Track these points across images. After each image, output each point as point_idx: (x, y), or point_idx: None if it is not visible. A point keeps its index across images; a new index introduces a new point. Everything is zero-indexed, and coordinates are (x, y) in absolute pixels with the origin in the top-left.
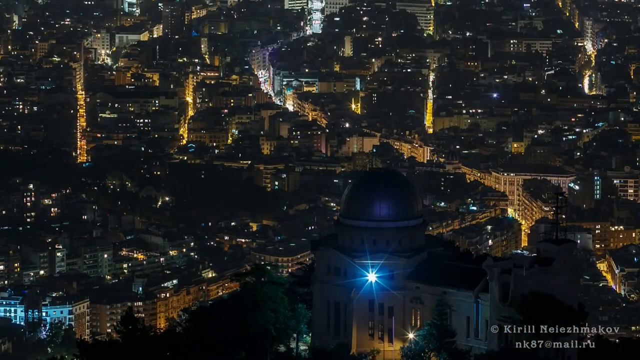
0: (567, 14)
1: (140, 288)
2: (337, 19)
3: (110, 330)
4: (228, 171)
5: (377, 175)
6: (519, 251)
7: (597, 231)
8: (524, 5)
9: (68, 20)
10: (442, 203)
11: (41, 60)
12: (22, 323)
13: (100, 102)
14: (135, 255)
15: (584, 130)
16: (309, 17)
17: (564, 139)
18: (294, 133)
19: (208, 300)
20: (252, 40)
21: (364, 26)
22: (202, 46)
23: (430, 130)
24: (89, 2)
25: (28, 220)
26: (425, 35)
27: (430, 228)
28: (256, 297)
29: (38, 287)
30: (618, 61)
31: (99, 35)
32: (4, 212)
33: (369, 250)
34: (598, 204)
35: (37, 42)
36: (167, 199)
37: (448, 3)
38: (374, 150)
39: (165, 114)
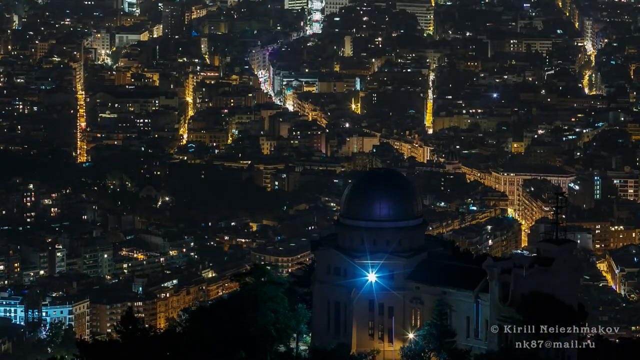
0: (567, 14)
1: (140, 288)
2: (337, 19)
3: (110, 330)
4: (228, 171)
5: (377, 175)
6: (519, 251)
7: (597, 231)
8: (524, 5)
9: (68, 20)
10: (442, 203)
11: (41, 60)
12: (22, 323)
13: (100, 102)
14: (135, 255)
15: (584, 130)
16: (309, 17)
17: (564, 139)
18: (294, 133)
19: (208, 300)
20: (252, 40)
21: (364, 26)
22: (202, 46)
23: (430, 130)
24: (89, 2)
25: (28, 220)
26: (425, 35)
27: (430, 228)
28: (256, 297)
29: (38, 287)
30: (618, 61)
31: (99, 35)
32: (4, 212)
33: (369, 250)
34: (598, 204)
35: (37, 42)
36: (167, 199)
37: (448, 3)
38: (374, 150)
39: (165, 114)
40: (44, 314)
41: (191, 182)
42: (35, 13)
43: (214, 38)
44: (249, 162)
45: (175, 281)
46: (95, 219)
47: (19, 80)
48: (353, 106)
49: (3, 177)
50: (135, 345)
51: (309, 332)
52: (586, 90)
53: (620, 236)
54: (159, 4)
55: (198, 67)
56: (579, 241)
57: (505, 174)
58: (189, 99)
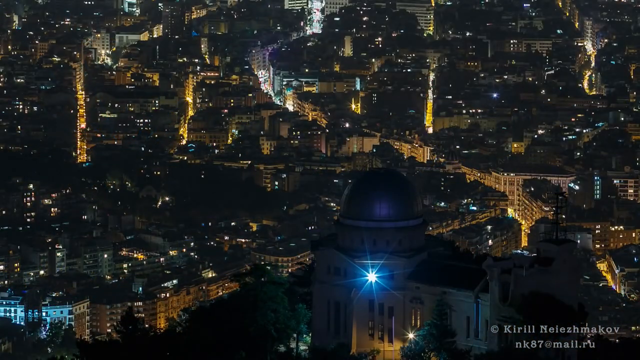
0: (567, 14)
1: (140, 288)
2: (337, 19)
3: (110, 330)
4: (228, 171)
5: (377, 175)
6: (519, 251)
7: (597, 231)
8: (524, 5)
9: (68, 20)
10: (442, 203)
11: (41, 60)
12: (22, 323)
13: (100, 102)
14: (135, 255)
15: (584, 130)
16: (309, 17)
17: (564, 139)
18: (294, 133)
19: (208, 300)
20: (252, 40)
21: (364, 26)
22: (202, 46)
23: (430, 130)
24: (89, 2)
25: (28, 220)
26: (425, 35)
27: (430, 228)
28: (256, 297)
29: (38, 287)
30: (618, 61)
31: (99, 35)
32: (4, 212)
33: (369, 250)
34: (598, 204)
35: (37, 42)
36: (167, 199)
37: (448, 3)
38: (374, 150)
39: (165, 114)
40: (44, 314)
41: (191, 182)
42: (35, 13)
43: (214, 38)
44: (249, 162)
45: (175, 281)
46: (95, 219)
47: (19, 80)
48: (353, 106)
49: (3, 177)
50: (135, 345)
51: (309, 332)
52: (586, 90)
53: (620, 236)
54: (159, 4)
55: (198, 67)
56: (579, 241)
57: (505, 174)
58: (189, 99)
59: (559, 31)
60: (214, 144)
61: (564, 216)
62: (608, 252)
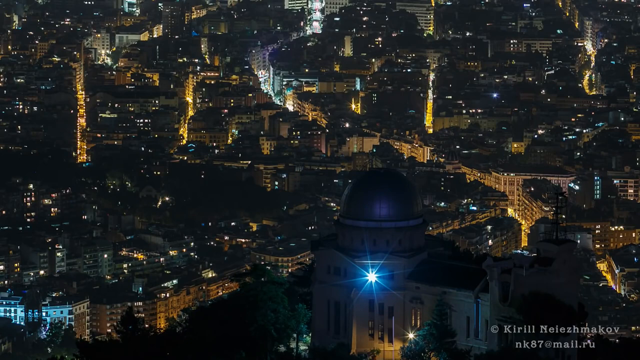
0: (567, 14)
1: (140, 288)
2: (337, 19)
3: (110, 330)
4: (228, 171)
5: (377, 175)
6: (519, 251)
7: (597, 231)
8: (524, 5)
9: (68, 20)
10: (442, 203)
11: (41, 60)
12: (22, 323)
13: (100, 102)
14: (135, 255)
15: (584, 130)
16: (309, 17)
17: (564, 139)
18: (294, 133)
19: (208, 300)
20: (252, 40)
21: (364, 26)
22: (202, 46)
23: (430, 130)
24: (89, 2)
25: (28, 220)
26: (425, 35)
27: (430, 228)
28: (256, 297)
29: (38, 287)
30: (618, 61)
31: (99, 35)
32: (4, 212)
33: (369, 250)
34: (598, 204)
35: (37, 42)
36: (167, 199)
37: (448, 3)
38: (374, 150)
39: (165, 114)
40: (44, 314)
41: (191, 182)
42: (35, 13)
43: (214, 38)
44: (249, 162)
45: (175, 281)
46: (95, 219)
47: (19, 80)
48: (353, 106)
49: (3, 177)
50: (135, 345)
51: (309, 332)
52: (586, 90)
53: (620, 236)
54: (159, 4)
55: (198, 67)
56: (579, 241)
57: (505, 174)
58: (189, 99)
59: (559, 31)
60: (214, 144)
61: (564, 216)
62: (608, 252)
